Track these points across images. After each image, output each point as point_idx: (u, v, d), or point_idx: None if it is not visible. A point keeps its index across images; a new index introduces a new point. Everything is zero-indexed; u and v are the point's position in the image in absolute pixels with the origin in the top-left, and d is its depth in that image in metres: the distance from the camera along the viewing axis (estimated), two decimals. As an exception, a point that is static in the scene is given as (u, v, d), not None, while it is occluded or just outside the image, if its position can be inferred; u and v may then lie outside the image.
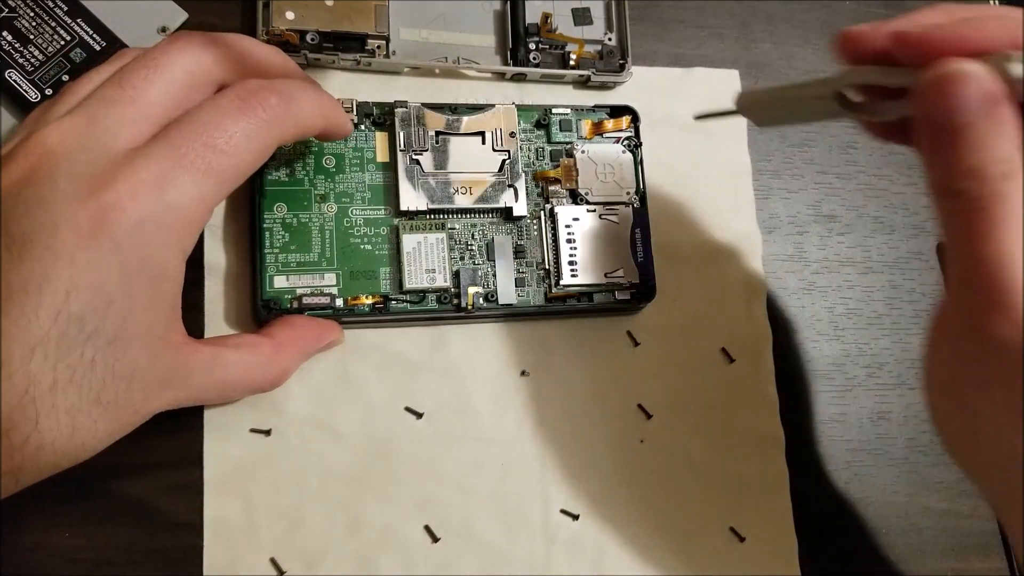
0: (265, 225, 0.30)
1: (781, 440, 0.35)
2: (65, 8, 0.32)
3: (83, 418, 0.22)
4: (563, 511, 0.32)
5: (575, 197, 0.34)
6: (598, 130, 0.34)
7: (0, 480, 0.22)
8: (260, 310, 0.29)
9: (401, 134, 0.32)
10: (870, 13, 0.43)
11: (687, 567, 0.32)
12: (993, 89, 0.21)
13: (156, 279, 0.23)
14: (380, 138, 0.32)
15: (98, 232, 0.22)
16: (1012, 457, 0.21)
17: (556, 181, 0.34)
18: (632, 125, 0.35)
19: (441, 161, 0.32)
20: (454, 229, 0.32)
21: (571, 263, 0.33)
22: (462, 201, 0.32)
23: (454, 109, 0.33)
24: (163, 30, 0.33)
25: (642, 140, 0.35)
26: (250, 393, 0.28)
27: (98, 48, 0.31)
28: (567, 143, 0.34)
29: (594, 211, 0.34)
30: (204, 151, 0.24)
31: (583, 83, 0.36)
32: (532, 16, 0.35)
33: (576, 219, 0.33)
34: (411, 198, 0.31)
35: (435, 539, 0.31)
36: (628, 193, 0.34)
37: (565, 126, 0.34)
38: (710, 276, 0.36)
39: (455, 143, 0.32)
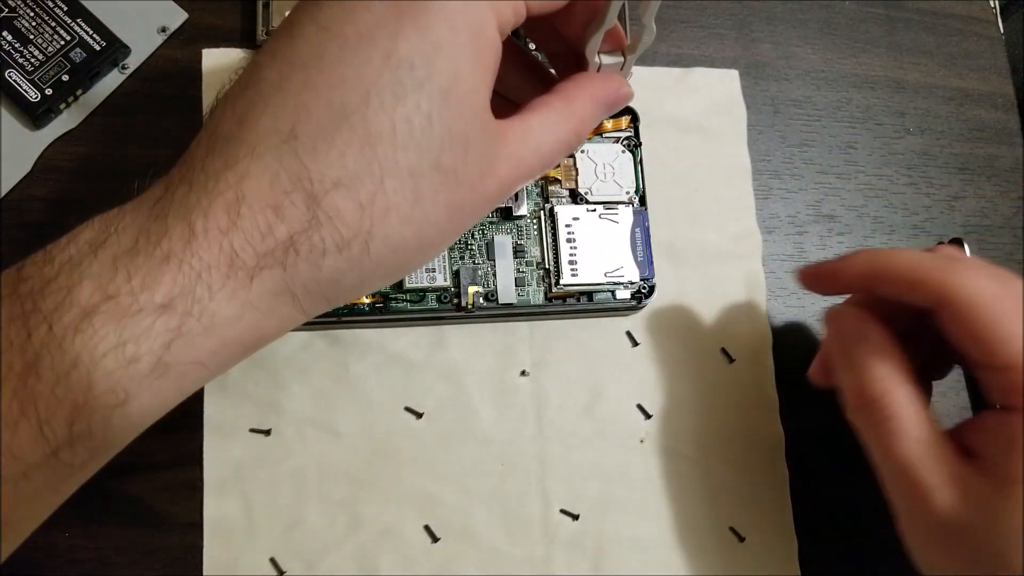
0: (265, 225, 0.30)
1: (781, 440, 0.35)
2: (65, 8, 0.32)
3: (425, 184, 0.22)
4: (563, 511, 0.32)
5: (575, 197, 0.34)
6: (597, 130, 0.34)
7: (351, 246, 0.21)
8: (260, 310, 0.29)
9: (401, 134, 0.32)
10: (870, 13, 0.43)
11: (687, 567, 0.32)
12: (858, 321, 0.28)
13: (476, 34, 0.22)
14: (380, 138, 0.32)
15: None
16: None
17: (556, 181, 0.34)
18: (632, 125, 0.35)
19: (441, 161, 0.32)
20: (454, 229, 0.32)
21: (571, 263, 0.33)
22: (462, 201, 0.32)
23: (454, 109, 0.33)
24: (163, 30, 0.33)
25: (641, 140, 0.35)
26: (561, 155, 0.26)
27: (98, 48, 0.31)
28: (567, 143, 0.34)
29: (594, 211, 0.34)
30: None
31: (583, 83, 0.36)
32: (532, 16, 0.35)
33: (576, 219, 0.33)
34: (411, 198, 0.31)
35: (435, 539, 0.31)
36: (628, 193, 0.34)
37: (565, 126, 0.34)
38: (710, 276, 0.36)
39: (455, 143, 0.32)
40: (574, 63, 0.28)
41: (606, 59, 0.27)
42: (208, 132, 0.22)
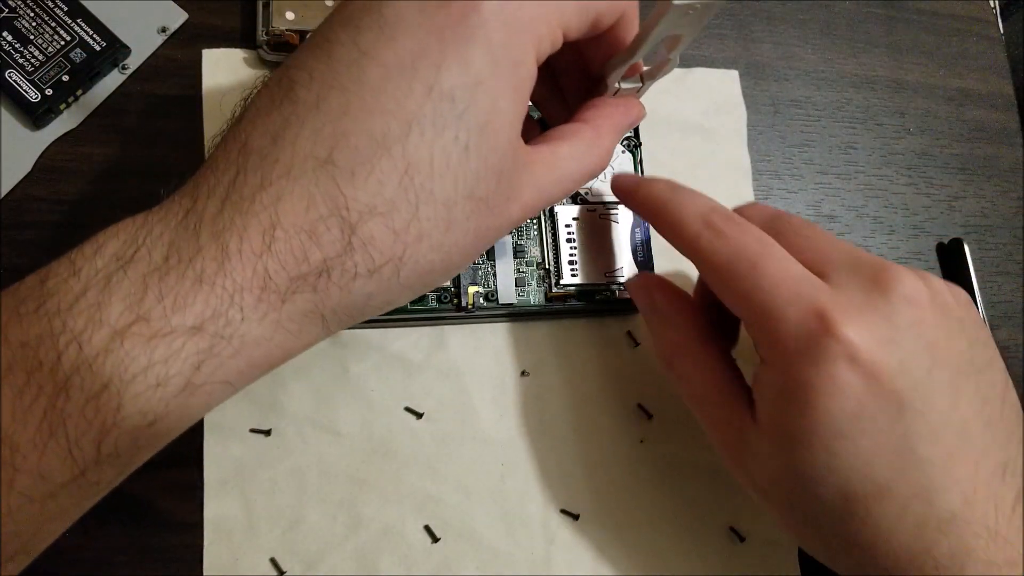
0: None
1: (781, 440, 0.35)
2: (65, 8, 0.32)
3: (457, 212, 0.22)
4: (563, 511, 0.32)
5: (575, 197, 0.34)
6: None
7: (383, 271, 0.22)
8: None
9: (401, 134, 0.32)
10: (870, 13, 0.43)
11: (687, 567, 0.32)
12: (647, 291, 0.30)
13: (516, 67, 0.23)
14: (380, 138, 0.32)
15: (466, 15, 0.22)
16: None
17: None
18: (632, 125, 0.35)
19: (441, 161, 0.32)
20: (454, 229, 0.32)
21: (571, 263, 0.33)
22: (462, 201, 0.32)
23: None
24: (163, 30, 0.33)
25: (642, 140, 0.35)
26: (583, 182, 0.27)
27: (98, 48, 0.31)
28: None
29: (594, 211, 0.34)
30: None
31: (583, 83, 0.36)
32: (532, 16, 0.35)
33: (576, 219, 0.33)
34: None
35: (435, 539, 0.31)
36: (628, 193, 0.34)
37: (565, 126, 0.34)
38: (710, 276, 0.36)
39: (455, 143, 0.32)
40: (586, 82, 0.28)
41: (625, 84, 0.27)
42: (238, 143, 0.22)
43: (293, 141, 0.21)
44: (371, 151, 0.21)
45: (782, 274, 0.26)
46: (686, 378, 0.29)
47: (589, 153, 0.27)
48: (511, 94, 0.23)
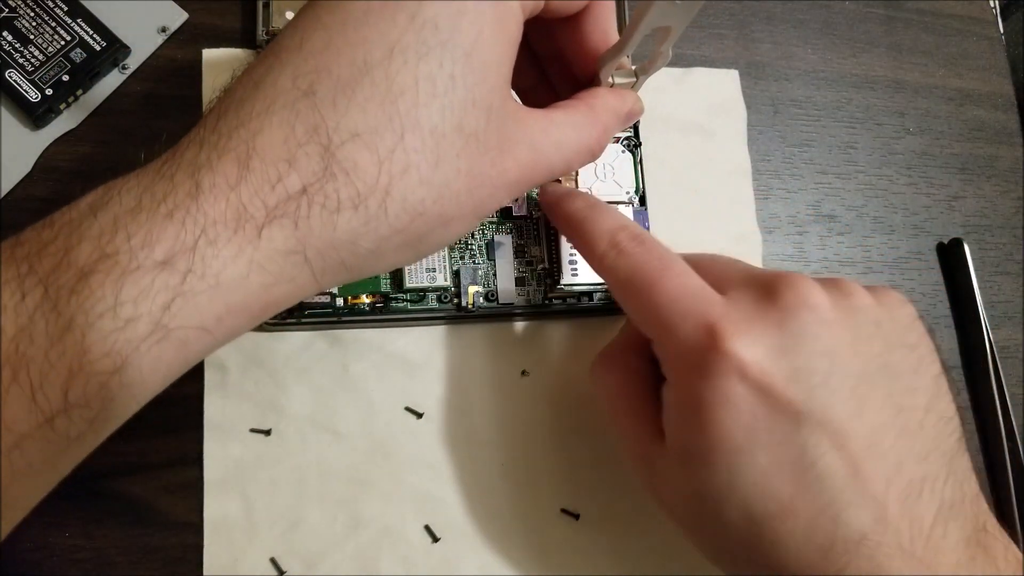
0: (265, 225, 0.30)
1: (781, 440, 0.35)
2: (65, 8, 0.32)
3: (446, 146, 0.21)
4: (563, 511, 0.32)
5: (575, 197, 0.34)
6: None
7: (368, 203, 0.21)
8: (260, 310, 0.29)
9: (401, 134, 0.32)
10: (869, 13, 0.43)
11: (687, 567, 0.32)
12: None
13: (501, 5, 0.22)
14: (380, 138, 0.32)
15: None
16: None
17: (556, 181, 0.34)
18: (631, 125, 0.35)
19: (441, 161, 0.32)
20: (454, 229, 0.32)
21: (571, 263, 0.33)
22: (462, 201, 0.32)
23: (454, 109, 0.33)
24: (163, 30, 0.33)
25: (641, 140, 0.35)
26: (581, 159, 0.26)
27: (98, 48, 0.31)
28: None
29: (594, 211, 0.34)
30: None
31: (583, 83, 0.36)
32: (532, 16, 0.35)
33: (576, 219, 0.33)
34: (411, 198, 0.31)
35: (435, 539, 0.31)
36: (628, 193, 0.34)
37: (565, 126, 0.34)
38: (710, 276, 0.36)
39: (455, 143, 0.32)
40: (578, 86, 0.28)
41: (619, 79, 0.27)
42: (223, 99, 0.22)
43: (274, 82, 0.21)
44: (352, 78, 0.21)
45: (679, 290, 0.25)
46: (604, 386, 0.29)
47: (585, 126, 0.26)
48: (496, 27, 0.22)
